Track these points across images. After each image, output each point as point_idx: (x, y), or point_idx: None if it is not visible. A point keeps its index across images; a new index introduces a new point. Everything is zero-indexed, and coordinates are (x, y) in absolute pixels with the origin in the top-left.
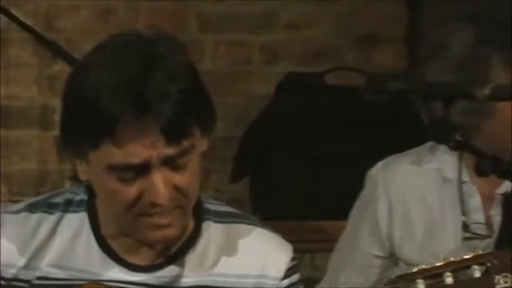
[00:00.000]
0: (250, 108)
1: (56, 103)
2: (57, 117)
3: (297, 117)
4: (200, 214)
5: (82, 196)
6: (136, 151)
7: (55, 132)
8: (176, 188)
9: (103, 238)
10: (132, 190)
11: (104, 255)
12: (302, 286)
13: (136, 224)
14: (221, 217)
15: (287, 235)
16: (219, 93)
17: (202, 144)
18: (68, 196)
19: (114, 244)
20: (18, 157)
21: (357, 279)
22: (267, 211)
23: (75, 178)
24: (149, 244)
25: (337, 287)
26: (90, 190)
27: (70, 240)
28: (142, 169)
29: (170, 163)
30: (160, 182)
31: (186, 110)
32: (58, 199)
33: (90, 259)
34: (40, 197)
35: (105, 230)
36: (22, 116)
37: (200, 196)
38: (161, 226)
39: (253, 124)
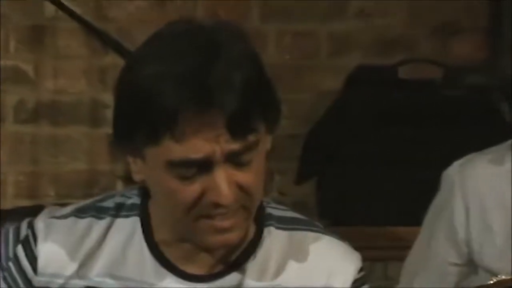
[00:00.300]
0: (317, 104)
1: (107, 97)
2: (108, 113)
3: (368, 114)
4: (261, 219)
5: (134, 199)
6: (198, 146)
7: (106, 129)
8: (240, 187)
9: (156, 245)
10: (193, 189)
11: (157, 264)
12: None
13: (195, 227)
14: (284, 223)
15: (356, 242)
16: (284, 87)
17: (266, 141)
18: (119, 199)
19: (168, 252)
20: (67, 157)
21: None
22: (335, 216)
23: (128, 179)
24: (209, 250)
25: None
26: (143, 193)
27: (121, 248)
28: (204, 166)
29: (234, 159)
30: (223, 180)
31: (252, 102)
32: (108, 203)
33: (142, 268)
34: (88, 201)
35: (159, 236)
36: (70, 112)
37: (262, 201)
38: (223, 229)
39: (320, 122)
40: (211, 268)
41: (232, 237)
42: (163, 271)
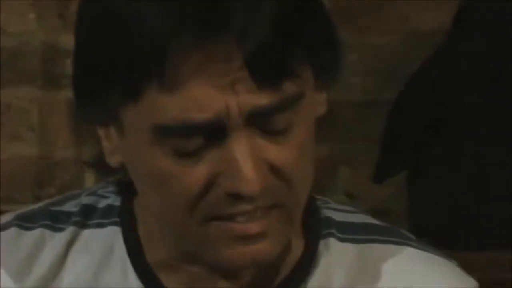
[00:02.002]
0: (407, 52)
1: (69, 41)
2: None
3: (488, 72)
4: (315, 227)
5: (112, 199)
6: (203, 99)
7: (67, 91)
8: (272, 169)
9: (147, 269)
10: (197, 173)
11: None
12: None
13: (203, 236)
14: (352, 233)
15: (467, 268)
16: (351, 26)
17: (316, 99)
18: (87, 200)
19: (167, 279)
20: (5, 136)
21: None
22: (434, 233)
23: (98, 165)
24: (228, 273)
25: None
26: (125, 189)
27: (92, 274)
28: (214, 133)
29: (262, 123)
30: (244, 155)
31: (289, 31)
32: (70, 206)
33: None
34: (38, 205)
35: (152, 254)
36: (11, 64)
37: (316, 199)
38: (248, 237)
39: (412, 82)
40: None
41: (265, 249)
42: None
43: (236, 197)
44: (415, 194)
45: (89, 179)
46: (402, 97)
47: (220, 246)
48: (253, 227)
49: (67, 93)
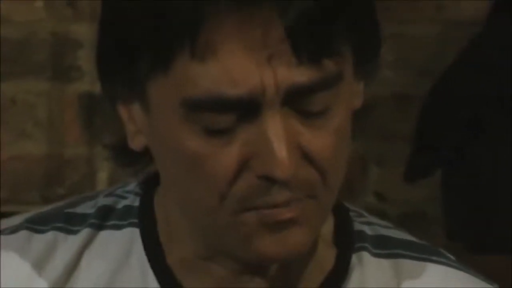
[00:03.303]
0: (444, 43)
1: (81, 30)
2: (82, 55)
3: None
4: (347, 240)
5: (130, 200)
6: (237, 72)
7: (79, 84)
8: (307, 157)
9: (168, 271)
10: (228, 153)
11: None
12: None
13: (235, 227)
14: (387, 248)
15: (501, 280)
16: (386, 14)
17: (354, 89)
18: (103, 201)
19: (189, 280)
20: (12, 133)
21: None
22: (473, 237)
23: (119, 150)
24: (257, 267)
25: None
26: (145, 187)
27: (109, 277)
28: (247, 110)
29: (298, 102)
30: (279, 137)
31: (334, 4)
32: (85, 208)
33: None
34: (51, 206)
35: (174, 255)
36: (18, 55)
37: (348, 209)
38: (280, 225)
39: (449, 74)
40: None
41: (297, 237)
42: None
43: (269, 181)
44: (451, 196)
45: (101, 178)
46: (437, 92)
47: (252, 236)
48: (285, 213)
49: (78, 86)
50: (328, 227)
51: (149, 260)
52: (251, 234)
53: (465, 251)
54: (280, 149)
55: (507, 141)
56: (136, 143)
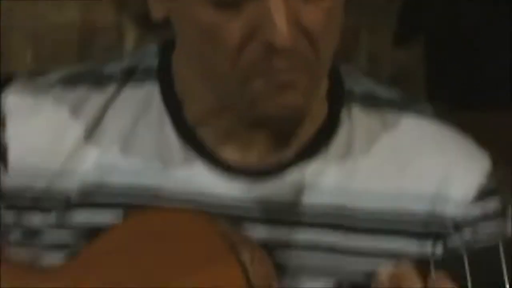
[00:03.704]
0: None
1: None
2: None
3: None
4: (337, 96)
5: (150, 60)
6: None
7: None
8: (303, 30)
9: (184, 121)
10: (236, 24)
11: (186, 147)
12: (504, 219)
13: (242, 92)
14: (374, 104)
15: (483, 134)
16: None
17: None
18: (128, 62)
19: (202, 131)
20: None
21: None
22: (453, 96)
23: (142, 20)
24: (262, 125)
25: None
26: (163, 49)
27: (131, 127)
28: None
29: None
30: (280, 10)
31: None
32: (112, 67)
33: (163, 152)
34: (81, 65)
35: (189, 108)
36: None
37: (338, 68)
38: (280, 86)
39: None
40: (264, 157)
41: (293, 98)
42: (195, 158)
43: (271, 51)
44: (435, 55)
45: (129, 43)
46: None
47: (257, 100)
48: (285, 76)
49: None
50: (322, 87)
51: (169, 114)
52: (256, 98)
53: (446, 109)
54: (281, 21)
55: None
56: (157, 13)
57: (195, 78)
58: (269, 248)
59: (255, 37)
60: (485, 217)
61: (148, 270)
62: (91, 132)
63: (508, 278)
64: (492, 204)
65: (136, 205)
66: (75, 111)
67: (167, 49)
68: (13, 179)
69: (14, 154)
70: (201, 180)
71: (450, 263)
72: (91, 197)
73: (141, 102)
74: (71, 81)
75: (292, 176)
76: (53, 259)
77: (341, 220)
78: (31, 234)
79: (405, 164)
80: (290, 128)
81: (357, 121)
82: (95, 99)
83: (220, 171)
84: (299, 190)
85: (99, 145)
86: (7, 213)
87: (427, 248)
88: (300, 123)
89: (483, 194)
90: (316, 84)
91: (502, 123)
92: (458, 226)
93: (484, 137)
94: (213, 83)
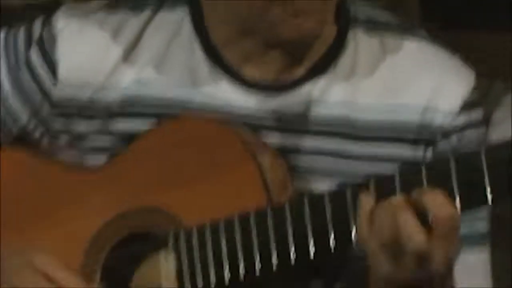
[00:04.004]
0: None
1: None
2: None
3: None
4: (345, 20)
5: None
6: None
7: None
8: None
9: (210, 42)
10: None
11: (212, 66)
12: (485, 128)
13: (262, 17)
14: (375, 26)
15: (469, 51)
16: None
17: None
18: None
19: (227, 52)
20: None
21: None
22: (442, 18)
23: None
24: (279, 45)
25: None
26: None
27: (165, 47)
28: None
29: None
30: None
31: None
32: None
33: (192, 71)
34: None
35: (215, 32)
36: None
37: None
38: (296, 13)
39: None
40: (282, 74)
41: (309, 23)
42: (220, 76)
43: None
44: None
45: None
46: None
47: (277, 23)
48: (300, 6)
49: None
50: (331, 12)
51: (197, 36)
52: (275, 22)
53: (439, 30)
54: None
55: None
56: None
57: (221, 4)
58: (281, 153)
59: None
60: (470, 126)
61: (175, 170)
62: (130, 52)
63: (489, 180)
64: (476, 114)
65: (168, 115)
66: (115, 33)
67: None
68: (62, 90)
69: (63, 68)
70: (225, 95)
71: (438, 166)
72: (129, 108)
73: (173, 25)
74: (112, 7)
75: (303, 91)
76: (96, 160)
77: (344, 129)
78: (78, 139)
79: (402, 82)
80: (302, 49)
81: (361, 43)
82: (133, 23)
83: (241, 87)
84: (309, 103)
85: (136, 64)
86: (57, 120)
87: (419, 153)
88: (311, 44)
89: (468, 106)
90: (326, 11)
91: (490, 42)
92: (446, 133)
93: (472, 54)
94: (238, 9)
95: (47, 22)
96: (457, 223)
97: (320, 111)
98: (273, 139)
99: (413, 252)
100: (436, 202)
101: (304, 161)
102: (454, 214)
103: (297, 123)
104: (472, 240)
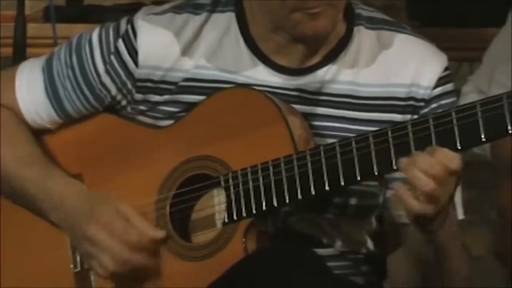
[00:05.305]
0: None
1: None
2: None
3: None
4: (351, 19)
5: None
6: None
7: None
8: None
9: (251, 38)
10: None
11: (252, 56)
12: (455, 98)
13: (289, 19)
14: (373, 24)
15: (444, 42)
16: None
17: None
18: None
19: (263, 45)
20: None
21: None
22: (423, 18)
23: None
24: (302, 40)
25: (491, 83)
26: None
27: (218, 40)
28: None
29: None
30: None
31: None
32: (205, 0)
33: (238, 59)
34: None
35: (254, 30)
36: None
37: (351, 2)
38: (313, 16)
39: None
40: (303, 61)
41: (323, 23)
42: (258, 62)
43: None
44: None
45: None
46: None
47: (299, 23)
48: (316, 9)
49: None
50: (341, 12)
51: (241, 33)
52: (298, 22)
53: (421, 27)
54: None
55: None
56: None
57: (257, 8)
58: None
59: None
60: (444, 95)
61: (224, 128)
62: (190, 46)
63: (459, 138)
64: (449, 86)
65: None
66: (178, 32)
67: None
68: (140, 71)
69: (142, 55)
70: (261, 76)
71: (419, 124)
72: (190, 86)
73: (224, 25)
74: (178, 8)
75: (319, 73)
76: (166, 122)
77: (350, 100)
78: (153, 106)
79: (393, 66)
80: (319, 42)
81: (363, 36)
82: (193, 22)
83: (273, 71)
84: (323, 82)
85: (195, 54)
86: (138, 93)
87: (407, 117)
88: (326, 39)
89: (442, 80)
90: (337, 14)
91: (459, 35)
92: (426, 102)
93: (445, 44)
94: (269, 13)
95: (130, 20)
96: (460, 170)
97: (331, 89)
98: (296, 108)
99: (427, 194)
100: (447, 158)
101: (319, 124)
102: (459, 165)
103: (314, 97)
104: None
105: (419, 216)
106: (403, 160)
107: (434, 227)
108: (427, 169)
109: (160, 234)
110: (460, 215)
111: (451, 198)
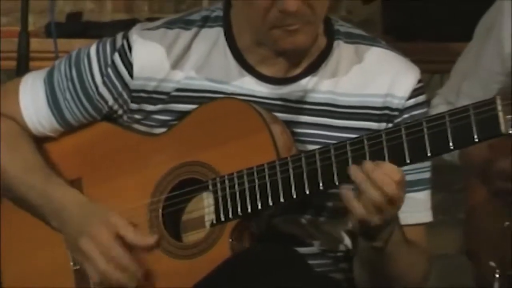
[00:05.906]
0: None
1: None
2: None
3: None
4: (331, 34)
5: (218, 12)
6: None
7: None
8: (305, 3)
9: (238, 50)
10: (263, 1)
11: (239, 67)
12: (427, 108)
13: (270, 35)
14: (351, 38)
15: (416, 55)
16: None
17: None
18: (204, 13)
19: (249, 56)
20: None
21: (478, 93)
22: (397, 33)
23: None
24: (284, 53)
25: (459, 95)
26: (225, 6)
27: (207, 53)
28: None
29: None
30: None
31: None
32: (195, 16)
33: (226, 70)
34: (177, 15)
35: (240, 43)
36: None
37: (330, 18)
38: (291, 32)
39: None
40: (287, 72)
41: (301, 38)
42: (245, 73)
43: (284, 12)
44: (388, 10)
45: (206, 3)
46: None
47: (279, 39)
48: (295, 26)
49: None
50: (320, 28)
51: (228, 46)
52: (277, 38)
53: (395, 41)
54: None
55: None
56: None
57: (243, 24)
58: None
59: (274, 5)
60: (417, 106)
61: (212, 136)
62: (180, 60)
63: (430, 146)
64: (422, 97)
65: (208, 99)
66: (170, 47)
67: (227, 6)
68: (135, 82)
69: (136, 67)
70: (248, 86)
71: (393, 133)
72: (181, 96)
73: (213, 39)
74: (170, 23)
75: (301, 83)
76: (159, 130)
77: (329, 109)
78: (147, 115)
79: (370, 78)
80: (301, 55)
81: (342, 49)
82: (184, 37)
83: (259, 80)
84: (305, 91)
85: (185, 66)
86: (133, 103)
87: (383, 125)
88: (306, 52)
89: (416, 92)
90: (315, 30)
91: (429, 49)
92: (400, 111)
93: (418, 57)
94: (252, 29)
95: (126, 35)
96: (404, 184)
97: (312, 98)
98: (280, 116)
99: (375, 207)
100: (389, 174)
101: (301, 131)
102: (403, 179)
103: (296, 105)
104: (420, 184)
105: (363, 223)
106: (353, 167)
107: (381, 238)
108: (375, 179)
109: (151, 240)
110: (429, 217)
111: (399, 207)
